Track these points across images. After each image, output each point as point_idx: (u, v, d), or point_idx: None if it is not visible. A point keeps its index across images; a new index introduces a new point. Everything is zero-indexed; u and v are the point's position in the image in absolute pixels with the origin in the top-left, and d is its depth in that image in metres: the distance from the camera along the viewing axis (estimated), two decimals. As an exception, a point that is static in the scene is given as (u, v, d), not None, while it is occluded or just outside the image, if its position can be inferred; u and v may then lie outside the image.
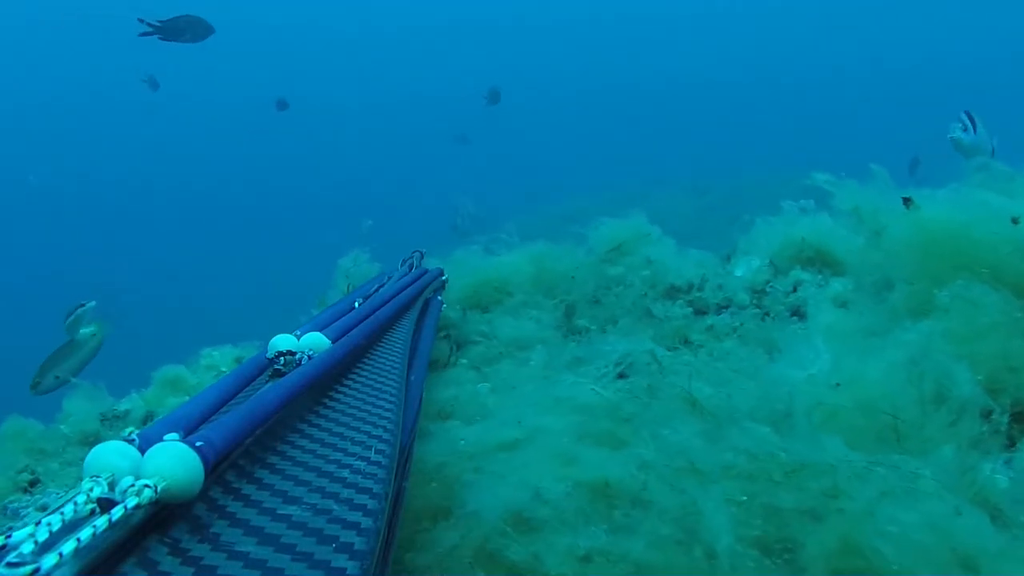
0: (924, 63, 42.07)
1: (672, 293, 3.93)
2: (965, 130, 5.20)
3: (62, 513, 1.04)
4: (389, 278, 3.74)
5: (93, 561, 1.02)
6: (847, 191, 3.65)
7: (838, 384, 2.37)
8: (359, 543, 1.20)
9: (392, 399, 1.97)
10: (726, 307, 3.76)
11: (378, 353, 2.42)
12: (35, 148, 37.87)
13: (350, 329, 2.29)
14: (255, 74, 43.16)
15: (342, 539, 1.21)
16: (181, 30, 9.14)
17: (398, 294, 3.17)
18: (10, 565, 0.93)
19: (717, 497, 1.91)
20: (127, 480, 1.15)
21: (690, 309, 3.80)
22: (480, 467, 2.27)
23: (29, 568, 0.92)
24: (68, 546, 0.98)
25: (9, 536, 0.97)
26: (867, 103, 37.47)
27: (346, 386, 2.02)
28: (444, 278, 4.35)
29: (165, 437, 1.27)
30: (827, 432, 2.16)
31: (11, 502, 3.31)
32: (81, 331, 5.87)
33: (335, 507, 1.31)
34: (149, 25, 8.83)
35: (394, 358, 2.41)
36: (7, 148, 36.43)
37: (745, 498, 1.90)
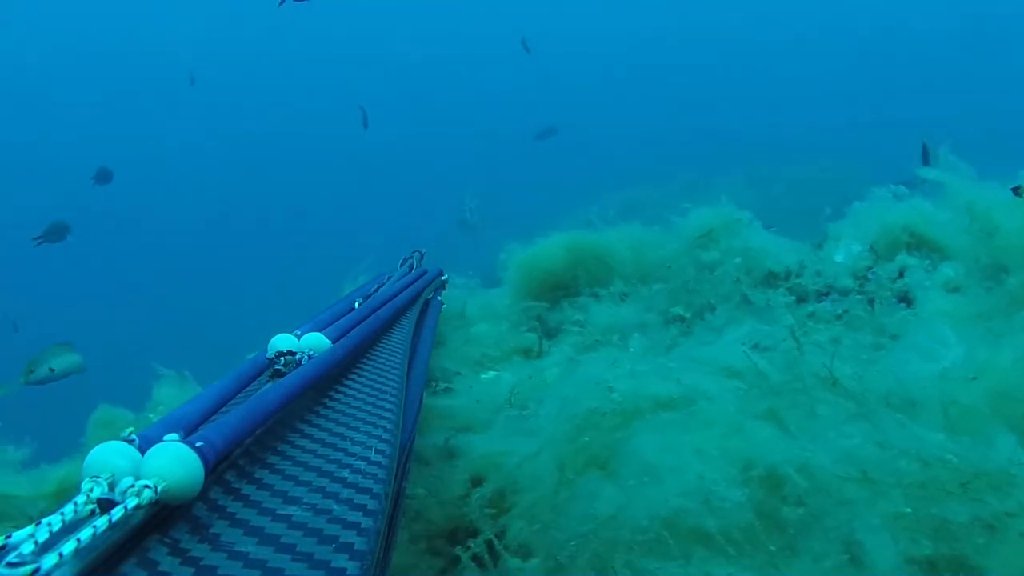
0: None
1: (770, 280, 3.81)
2: None
3: (62, 513, 1.06)
4: (388, 278, 3.79)
5: (93, 561, 1.04)
6: (959, 186, 3.52)
7: (975, 377, 2.30)
8: (359, 543, 1.21)
9: (392, 399, 1.99)
10: (826, 294, 3.66)
11: (378, 353, 2.45)
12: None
13: (350, 329, 2.32)
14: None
15: (342, 539, 1.22)
16: None
17: (398, 294, 3.21)
18: (10, 565, 0.95)
19: (885, 513, 1.84)
20: (127, 480, 1.17)
21: (792, 296, 3.68)
22: (638, 430, 2.24)
23: (29, 568, 0.94)
24: (68, 546, 0.99)
25: (9, 536, 1.00)
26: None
27: (346, 386, 2.05)
28: (444, 278, 4.41)
29: (165, 437, 1.29)
30: (964, 423, 2.11)
31: (104, 491, 3.42)
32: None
33: (335, 507, 1.33)
34: None
35: (394, 358, 2.44)
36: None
37: (910, 510, 1.82)
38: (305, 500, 1.35)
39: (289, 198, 38.82)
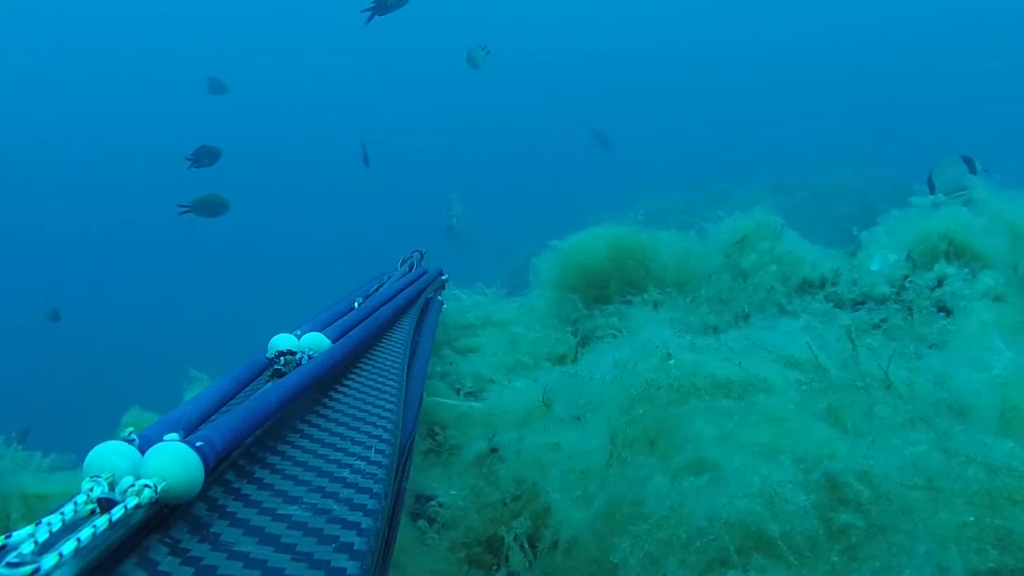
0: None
1: (805, 288, 3.76)
2: None
3: (62, 513, 1.08)
4: (388, 277, 3.79)
5: (93, 561, 1.05)
6: (1000, 205, 3.49)
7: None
8: (359, 543, 1.22)
9: (392, 399, 2.01)
10: (862, 303, 3.63)
11: (378, 353, 2.47)
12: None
13: (350, 329, 2.33)
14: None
15: (342, 539, 1.23)
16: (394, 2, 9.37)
17: (398, 294, 3.23)
18: (10, 565, 0.96)
19: (949, 523, 1.79)
20: (127, 480, 1.19)
21: (830, 304, 3.63)
22: (694, 410, 2.19)
23: (29, 568, 0.95)
24: (68, 546, 1.01)
25: (9, 536, 1.01)
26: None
27: (346, 386, 2.07)
28: (444, 278, 4.42)
29: (165, 437, 1.30)
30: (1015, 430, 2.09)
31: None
32: None
33: (335, 507, 1.34)
34: (369, 9, 9.14)
35: (394, 358, 2.45)
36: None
37: (973, 519, 1.78)
38: (305, 500, 1.36)
39: (291, 203, 39.14)
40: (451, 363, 3.76)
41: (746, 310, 3.77)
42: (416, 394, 2.44)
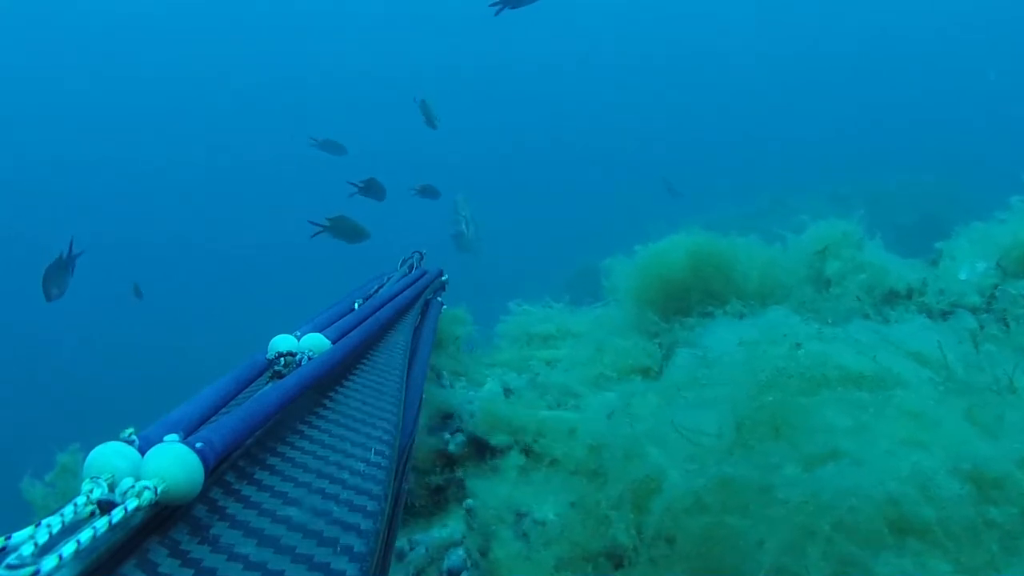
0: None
1: (891, 298, 3.62)
2: None
3: (62, 515, 1.08)
4: (388, 278, 3.77)
5: (93, 563, 1.06)
6: None
7: None
8: (359, 545, 1.23)
9: (392, 400, 2.00)
10: (951, 313, 3.45)
11: (378, 354, 2.46)
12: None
13: (350, 330, 2.32)
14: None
15: (342, 541, 1.23)
16: None
17: (398, 295, 3.19)
18: (10, 567, 0.97)
19: None
20: (127, 482, 1.19)
21: (923, 315, 3.48)
22: (825, 402, 2.15)
23: (29, 570, 0.96)
24: (68, 548, 1.01)
25: (9, 538, 1.02)
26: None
27: (346, 387, 2.06)
28: (444, 279, 4.38)
29: (165, 438, 1.30)
30: None
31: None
32: None
33: (335, 509, 1.34)
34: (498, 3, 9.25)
35: (394, 359, 2.44)
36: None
37: None
38: (305, 502, 1.37)
39: (292, 203, 39.74)
40: (538, 373, 3.75)
41: (831, 322, 3.64)
42: (416, 396, 2.43)
